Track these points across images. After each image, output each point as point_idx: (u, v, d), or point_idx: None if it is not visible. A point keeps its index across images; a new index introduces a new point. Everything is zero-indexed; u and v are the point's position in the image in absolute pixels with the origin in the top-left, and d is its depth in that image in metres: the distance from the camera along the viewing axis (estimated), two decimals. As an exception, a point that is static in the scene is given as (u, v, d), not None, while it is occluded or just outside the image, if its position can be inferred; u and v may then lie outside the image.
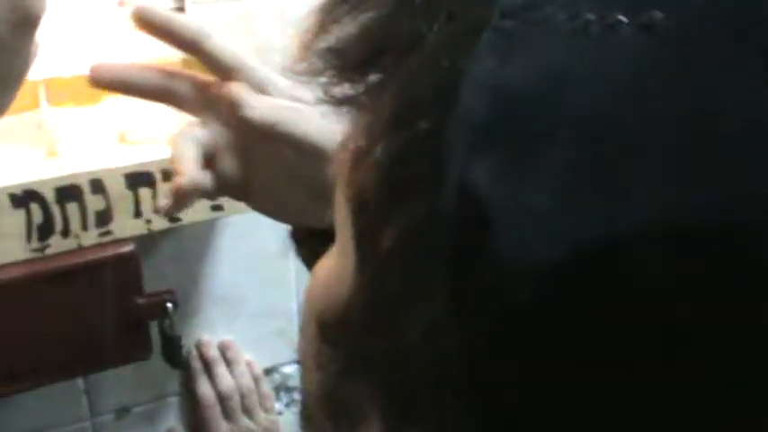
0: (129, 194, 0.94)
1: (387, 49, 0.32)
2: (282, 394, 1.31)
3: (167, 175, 0.95)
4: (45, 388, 1.01)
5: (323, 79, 0.35)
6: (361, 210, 0.33)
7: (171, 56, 0.98)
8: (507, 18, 0.29)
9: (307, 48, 0.36)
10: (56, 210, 0.91)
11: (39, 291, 0.93)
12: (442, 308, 0.29)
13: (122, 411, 1.19)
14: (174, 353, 1.07)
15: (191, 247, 1.16)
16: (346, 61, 0.35)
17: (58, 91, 0.97)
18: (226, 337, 1.22)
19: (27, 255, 0.91)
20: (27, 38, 0.63)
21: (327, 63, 0.35)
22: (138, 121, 0.99)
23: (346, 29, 0.35)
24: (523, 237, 0.27)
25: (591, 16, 0.28)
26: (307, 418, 0.43)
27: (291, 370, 1.31)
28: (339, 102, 0.35)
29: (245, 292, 1.22)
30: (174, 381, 1.20)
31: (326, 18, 0.36)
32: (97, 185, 0.92)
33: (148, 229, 0.96)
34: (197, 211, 0.98)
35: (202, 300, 1.19)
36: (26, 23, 0.62)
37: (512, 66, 0.29)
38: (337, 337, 0.36)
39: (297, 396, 1.31)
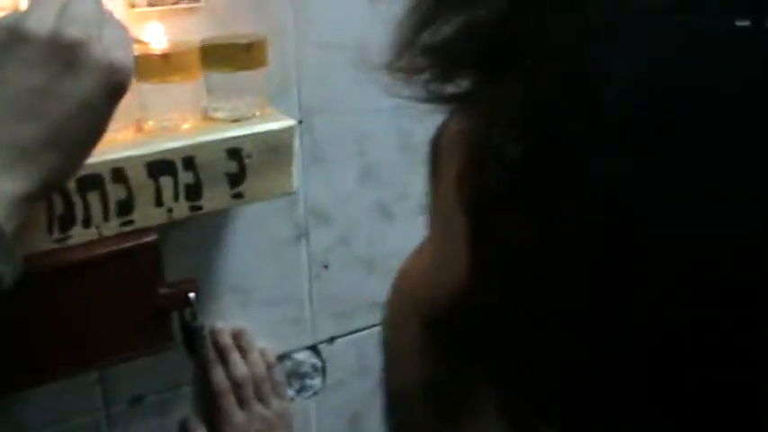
0: (150, 183, 0.93)
1: (503, 48, 0.32)
2: (294, 381, 1.31)
3: (188, 162, 0.94)
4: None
5: (425, 76, 0.35)
6: (481, 208, 0.32)
7: (188, 41, 0.98)
8: (642, 16, 0.29)
9: (408, 44, 0.36)
10: (77, 200, 0.90)
11: (61, 282, 0.92)
12: (587, 302, 0.29)
13: (136, 401, 1.18)
14: (195, 342, 1.06)
15: (203, 236, 1.15)
16: (456, 60, 0.35)
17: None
18: (239, 324, 1.21)
19: (49, 245, 0.90)
20: (115, 104, 0.68)
21: (433, 60, 0.35)
22: (155, 110, 0.98)
23: (453, 25, 0.35)
24: (672, 226, 0.27)
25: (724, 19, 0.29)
26: (398, 409, 0.43)
27: (303, 356, 1.30)
28: (442, 99, 0.35)
29: (258, 280, 1.22)
30: (187, 369, 1.19)
31: (431, 14, 0.36)
32: (118, 175, 0.91)
33: (170, 218, 0.95)
34: (217, 199, 0.97)
35: (215, 288, 1.18)
36: (117, 92, 0.67)
37: (649, 64, 0.29)
38: (448, 331, 0.36)
39: (308, 382, 1.32)
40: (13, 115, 0.68)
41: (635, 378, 0.29)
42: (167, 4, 1.02)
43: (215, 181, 0.97)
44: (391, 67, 0.37)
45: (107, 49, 0.70)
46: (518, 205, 0.31)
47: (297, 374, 1.31)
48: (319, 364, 1.32)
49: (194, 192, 0.96)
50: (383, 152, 1.27)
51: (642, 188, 0.27)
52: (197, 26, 1.05)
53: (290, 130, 1.00)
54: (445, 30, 0.35)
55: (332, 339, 1.32)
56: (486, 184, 0.32)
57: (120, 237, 0.94)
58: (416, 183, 1.29)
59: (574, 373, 0.30)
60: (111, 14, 0.74)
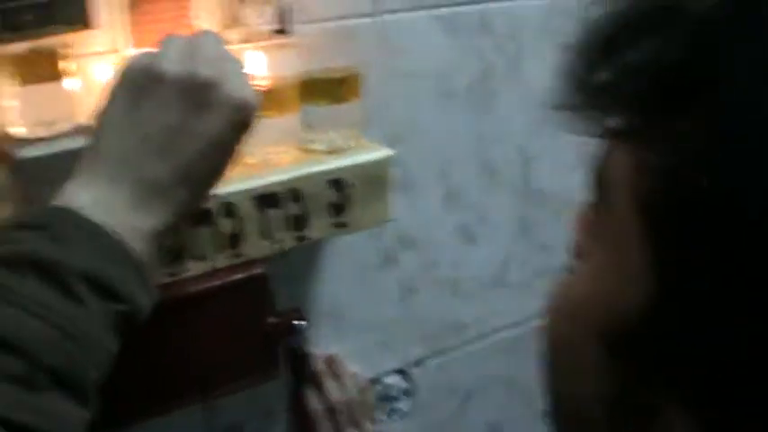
0: (258, 216, 0.96)
1: (677, 90, 0.35)
2: (384, 404, 1.33)
3: (295, 194, 0.97)
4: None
5: (594, 114, 0.38)
6: (670, 232, 0.35)
7: (287, 76, 1.01)
8: None
9: (580, 81, 0.38)
10: (189, 235, 0.93)
11: (173, 315, 0.95)
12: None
13: (234, 430, 1.21)
14: (303, 370, 1.09)
15: (298, 266, 1.18)
16: (625, 99, 0.37)
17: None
18: (331, 350, 1.23)
19: (163, 279, 0.93)
20: (242, 140, 0.71)
21: (603, 100, 0.37)
22: (256, 145, 1.01)
23: (622, 67, 0.37)
24: None
25: None
26: (571, 426, 0.45)
27: (392, 380, 1.33)
28: (608, 134, 0.38)
29: (348, 306, 1.24)
30: (282, 397, 1.22)
31: (602, 51, 0.38)
32: (228, 209, 0.94)
33: (278, 249, 0.98)
34: (322, 228, 1.00)
35: (308, 315, 1.20)
36: (245, 128, 0.70)
37: None
38: (634, 348, 0.38)
39: (398, 405, 1.34)
40: (149, 154, 0.71)
41: None
42: (261, 39, 1.06)
43: (319, 211, 0.99)
44: (562, 105, 0.39)
45: (235, 88, 0.73)
46: (710, 229, 0.33)
47: (386, 398, 1.33)
48: (408, 387, 1.35)
49: (300, 223, 0.98)
50: (465, 177, 1.29)
51: None
52: (288, 60, 1.08)
53: (387, 159, 1.03)
54: (614, 71, 0.37)
55: (420, 362, 1.34)
56: (679, 211, 0.34)
57: (230, 269, 0.97)
58: (496, 205, 1.32)
59: None
60: (233, 53, 0.77)
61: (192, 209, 0.76)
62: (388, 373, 1.33)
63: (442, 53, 1.23)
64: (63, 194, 0.69)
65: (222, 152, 0.74)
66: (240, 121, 0.73)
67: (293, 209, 0.98)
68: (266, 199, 0.96)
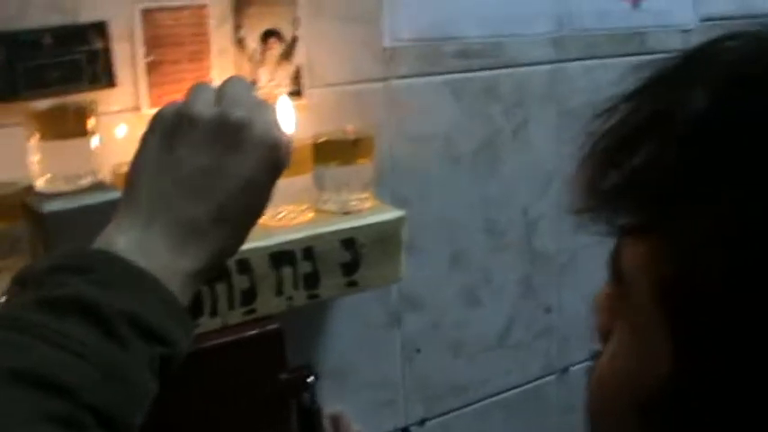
0: (272, 273, 0.98)
1: (679, 188, 0.39)
2: (388, 462, 1.34)
3: (308, 252, 0.99)
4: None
5: (609, 213, 0.42)
6: (687, 311, 0.39)
7: (301, 138, 1.04)
8: None
9: (590, 188, 0.43)
10: (205, 290, 0.95)
11: (188, 369, 0.96)
12: None
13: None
14: (314, 425, 1.10)
15: (306, 324, 1.19)
16: (632, 200, 0.41)
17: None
18: (336, 407, 1.25)
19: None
20: (275, 180, 0.72)
21: (619, 199, 0.41)
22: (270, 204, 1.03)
23: (632, 166, 0.41)
24: None
25: None
26: None
27: (396, 438, 1.34)
28: (621, 230, 0.42)
29: (354, 365, 1.26)
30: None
31: (608, 160, 0.42)
32: (243, 266, 0.96)
33: (290, 306, 1.00)
34: (333, 287, 1.02)
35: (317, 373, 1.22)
36: (278, 168, 0.72)
37: None
38: (663, 410, 0.41)
39: (400, 464, 1.35)
40: (185, 195, 0.72)
41: None
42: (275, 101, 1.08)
43: (331, 270, 1.01)
44: (576, 209, 0.43)
45: (267, 129, 0.74)
46: (723, 306, 0.37)
47: (390, 456, 1.34)
48: (410, 446, 1.36)
49: (312, 281, 1.00)
50: (470, 239, 1.32)
51: None
52: (301, 122, 1.10)
53: (399, 220, 1.05)
54: (621, 176, 0.41)
55: (423, 422, 1.35)
56: (696, 292, 0.38)
57: (245, 324, 0.98)
58: (500, 266, 1.34)
59: None
60: (262, 97, 0.79)
61: (229, 251, 0.77)
62: (392, 432, 1.34)
63: (447, 117, 1.26)
64: (101, 239, 0.71)
65: (256, 192, 0.75)
66: (272, 161, 0.74)
67: (306, 267, 1.00)
68: (280, 257, 0.98)
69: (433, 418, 1.37)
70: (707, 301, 0.37)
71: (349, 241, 1.02)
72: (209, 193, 0.72)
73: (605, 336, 0.47)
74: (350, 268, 1.03)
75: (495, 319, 1.40)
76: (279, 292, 0.99)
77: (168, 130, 0.73)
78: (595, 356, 0.49)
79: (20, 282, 0.67)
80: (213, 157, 0.72)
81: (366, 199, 1.08)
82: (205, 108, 0.73)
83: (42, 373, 0.60)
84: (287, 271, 0.99)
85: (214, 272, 0.75)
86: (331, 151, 1.06)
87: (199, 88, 0.76)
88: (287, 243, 0.99)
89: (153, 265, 0.69)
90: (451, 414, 1.38)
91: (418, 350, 1.32)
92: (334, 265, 1.02)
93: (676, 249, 0.39)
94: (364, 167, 1.08)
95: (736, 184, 0.37)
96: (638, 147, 0.41)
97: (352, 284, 1.03)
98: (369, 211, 1.06)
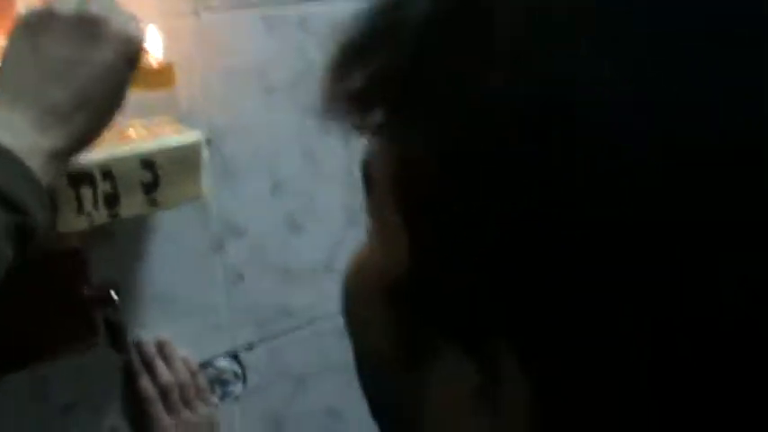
0: (71, 192, 1.02)
1: (406, 88, 0.43)
2: (216, 387, 1.39)
3: (107, 173, 1.03)
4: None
5: (349, 116, 0.47)
6: (411, 201, 0.43)
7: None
8: None
9: (331, 93, 0.48)
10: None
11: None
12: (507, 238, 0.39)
13: (68, 408, 1.25)
14: (119, 340, 1.14)
15: (124, 249, 1.23)
16: (370, 102, 0.46)
17: None
18: (161, 335, 1.29)
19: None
20: (132, 72, 0.82)
21: (353, 104, 0.46)
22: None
23: (364, 74, 0.46)
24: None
25: None
26: (369, 369, 0.53)
27: (224, 363, 1.38)
28: (365, 130, 0.46)
29: (177, 291, 1.30)
30: (115, 377, 1.27)
31: (346, 67, 0.47)
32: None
33: (90, 224, 1.04)
34: (133, 206, 1.06)
35: (138, 299, 1.26)
36: (134, 60, 0.81)
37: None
38: (403, 297, 0.46)
39: (230, 388, 1.40)
40: (48, 81, 0.81)
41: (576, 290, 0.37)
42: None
43: (131, 190, 1.06)
44: (322, 111, 0.48)
45: (123, 24, 0.83)
46: (441, 191, 0.41)
47: (219, 381, 1.39)
48: (239, 370, 1.41)
49: (112, 201, 1.05)
50: (290, 168, 1.37)
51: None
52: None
53: (198, 142, 1.10)
54: (359, 78, 0.46)
55: (251, 346, 1.41)
56: (415, 182, 0.42)
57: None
58: (322, 195, 1.40)
59: (518, 298, 0.39)
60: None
61: (90, 135, 0.84)
62: (219, 357, 1.38)
63: (261, 49, 1.31)
64: None
65: (115, 81, 0.84)
66: (128, 54, 0.84)
67: (105, 187, 1.04)
68: (79, 177, 1.02)
69: (262, 342, 1.42)
70: (424, 196, 0.42)
71: (148, 162, 1.06)
72: (70, 80, 0.82)
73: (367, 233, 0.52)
74: (150, 188, 1.07)
75: (320, 246, 1.45)
76: (80, 210, 1.03)
77: (32, 27, 0.84)
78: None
79: None
80: (73, 47, 0.83)
81: (168, 124, 1.13)
82: (65, 5, 0.81)
83: None
84: (86, 191, 1.03)
85: (75, 154, 0.82)
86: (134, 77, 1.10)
87: None
88: (86, 165, 1.03)
89: (14, 143, 0.77)
90: (281, 339, 1.43)
91: (241, 276, 1.36)
92: (134, 186, 1.06)
93: (401, 150, 0.43)
94: (166, 95, 1.13)
95: (442, 87, 0.41)
96: (376, 51, 0.45)
97: (153, 203, 1.08)
98: (169, 133, 1.10)
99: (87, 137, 0.84)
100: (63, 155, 0.82)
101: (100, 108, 0.84)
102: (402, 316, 0.46)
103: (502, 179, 0.38)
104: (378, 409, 0.54)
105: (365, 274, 0.51)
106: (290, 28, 1.34)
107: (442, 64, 0.41)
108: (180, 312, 1.32)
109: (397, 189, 0.44)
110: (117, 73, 0.84)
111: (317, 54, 1.37)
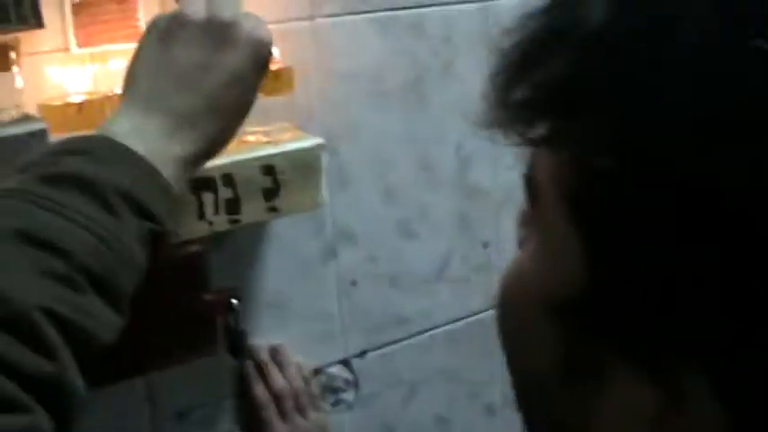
0: (193, 198, 1.01)
1: (575, 99, 0.42)
2: (328, 395, 1.38)
3: (228, 179, 1.03)
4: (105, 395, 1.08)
5: (514, 127, 0.45)
6: (592, 215, 0.42)
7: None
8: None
9: (500, 100, 0.46)
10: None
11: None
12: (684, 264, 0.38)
13: (182, 415, 1.25)
14: (239, 347, 1.14)
15: (241, 255, 1.23)
16: (536, 111, 0.44)
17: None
18: (275, 340, 1.29)
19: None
20: (261, 76, 0.81)
21: (519, 114, 0.45)
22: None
23: (530, 84, 0.45)
24: None
25: None
26: (531, 392, 0.51)
27: (336, 370, 1.38)
28: (530, 142, 0.45)
29: (291, 297, 1.30)
30: (229, 383, 1.27)
31: (516, 73, 0.45)
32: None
33: (211, 231, 1.04)
34: (253, 212, 1.06)
35: (252, 306, 1.26)
36: (263, 64, 0.81)
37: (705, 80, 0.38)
38: (568, 314, 0.44)
39: (342, 396, 1.39)
40: (179, 88, 0.81)
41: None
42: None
43: (252, 196, 1.05)
44: (486, 121, 0.46)
45: (253, 28, 0.82)
46: (623, 206, 0.39)
47: (330, 388, 1.38)
48: (351, 378, 1.40)
49: (233, 206, 1.04)
50: (403, 175, 1.36)
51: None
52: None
53: (318, 147, 1.09)
54: (527, 89, 0.44)
55: (363, 353, 1.40)
56: (598, 202, 0.41)
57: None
58: (434, 201, 1.38)
59: (703, 321, 0.38)
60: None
61: (219, 141, 0.84)
62: (331, 364, 1.37)
63: (376, 54, 1.30)
64: (101, 127, 0.78)
65: (244, 86, 0.84)
66: (258, 58, 0.83)
67: (226, 193, 1.03)
68: (201, 183, 1.02)
69: (374, 349, 1.41)
70: (610, 210, 0.40)
71: (269, 167, 1.06)
72: (201, 86, 0.81)
73: (520, 246, 0.51)
74: (270, 194, 1.07)
75: (432, 253, 1.44)
76: (200, 216, 1.03)
77: (163, 33, 0.83)
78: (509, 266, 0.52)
79: (21, 169, 0.74)
80: (205, 53, 0.82)
81: (287, 130, 1.12)
82: (197, 11, 0.81)
83: (43, 235, 0.69)
84: (207, 197, 1.03)
85: (204, 161, 0.82)
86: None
87: None
88: (207, 170, 1.02)
89: (147, 150, 0.78)
90: (392, 346, 1.42)
91: (354, 283, 1.35)
92: (255, 192, 1.06)
93: (577, 160, 0.42)
94: (284, 100, 1.12)
95: (623, 94, 0.39)
96: (543, 61, 0.43)
97: (273, 210, 1.07)
98: (289, 139, 1.10)
99: (217, 143, 0.84)
100: (192, 161, 0.81)
101: (229, 114, 0.83)
102: (572, 333, 0.44)
103: (702, 189, 0.36)
104: (534, 426, 0.52)
105: (524, 288, 0.48)
106: (404, 32, 1.33)
107: (624, 72, 0.40)
108: (293, 318, 1.31)
109: (574, 201, 0.42)
110: (246, 78, 0.83)
111: (431, 58, 1.36)
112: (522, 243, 0.51)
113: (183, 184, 0.82)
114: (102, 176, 0.73)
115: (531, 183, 0.47)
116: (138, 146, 0.77)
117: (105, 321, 0.72)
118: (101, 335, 0.72)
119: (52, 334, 0.66)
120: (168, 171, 0.78)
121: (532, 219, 0.48)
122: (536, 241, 0.47)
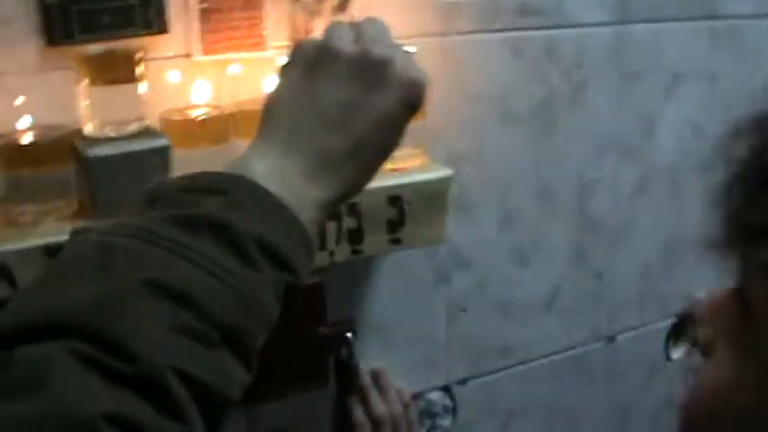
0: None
1: None
2: (425, 420, 1.34)
3: (352, 208, 0.99)
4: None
5: (747, 248, 0.43)
6: None
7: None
8: None
9: (734, 222, 0.43)
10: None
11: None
12: None
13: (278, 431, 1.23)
14: (351, 381, 1.10)
15: (351, 280, 1.19)
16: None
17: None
18: (377, 364, 1.25)
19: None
20: (410, 118, 0.74)
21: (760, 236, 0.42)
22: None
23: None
24: None
25: None
26: None
27: (435, 397, 1.34)
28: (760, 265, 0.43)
29: (398, 321, 1.26)
30: (325, 406, 1.23)
31: (754, 197, 0.43)
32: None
33: (332, 261, 0.99)
34: (376, 244, 1.01)
35: (359, 328, 1.22)
36: (415, 106, 0.74)
37: None
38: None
39: (439, 422, 1.35)
40: (324, 127, 0.74)
41: None
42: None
43: (375, 227, 1.01)
44: (713, 242, 0.43)
45: (408, 67, 0.75)
46: None
47: (428, 414, 1.34)
48: (451, 404, 1.36)
49: (356, 236, 1.00)
50: (521, 201, 1.31)
51: None
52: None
53: (447, 179, 1.04)
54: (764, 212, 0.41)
55: (465, 381, 1.35)
56: None
57: (286, 278, 0.98)
58: (550, 229, 1.33)
59: None
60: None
61: (358, 185, 0.78)
62: (431, 390, 1.33)
63: (504, 75, 1.24)
64: (236, 163, 0.72)
65: (392, 129, 0.76)
66: (411, 100, 0.75)
67: (349, 223, 0.99)
68: (325, 211, 0.98)
69: (476, 377, 1.37)
70: None
71: (395, 198, 1.01)
72: (347, 127, 0.74)
73: (707, 347, 0.49)
74: (394, 225, 1.02)
75: (544, 283, 1.39)
76: (321, 246, 0.99)
77: (310, 63, 0.75)
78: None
79: (150, 198, 0.68)
80: (354, 91, 0.74)
81: (417, 157, 1.07)
82: (347, 44, 0.74)
83: (175, 286, 0.61)
84: (329, 225, 0.99)
85: (341, 204, 0.76)
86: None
87: (337, 25, 0.77)
88: (332, 198, 0.98)
89: (286, 193, 0.70)
90: (495, 375, 1.38)
91: (464, 309, 1.31)
92: (379, 222, 1.01)
93: None
94: (416, 125, 1.07)
95: None
96: None
97: (396, 242, 1.03)
98: (417, 168, 1.05)
99: (356, 187, 0.78)
100: (330, 205, 0.76)
101: (372, 158, 0.77)
102: None
103: None
104: None
105: (722, 416, 0.46)
106: (536, 54, 1.27)
107: None
108: (398, 343, 1.27)
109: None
110: (396, 120, 0.76)
111: (562, 83, 1.30)
112: (707, 345, 0.49)
113: (317, 229, 0.77)
114: (241, 224, 0.68)
115: (742, 299, 0.45)
116: (279, 189, 0.71)
117: (235, 378, 0.68)
118: (230, 392, 0.68)
119: (183, 395, 0.62)
120: (306, 216, 0.73)
121: (730, 328, 0.46)
122: (736, 353, 0.46)
